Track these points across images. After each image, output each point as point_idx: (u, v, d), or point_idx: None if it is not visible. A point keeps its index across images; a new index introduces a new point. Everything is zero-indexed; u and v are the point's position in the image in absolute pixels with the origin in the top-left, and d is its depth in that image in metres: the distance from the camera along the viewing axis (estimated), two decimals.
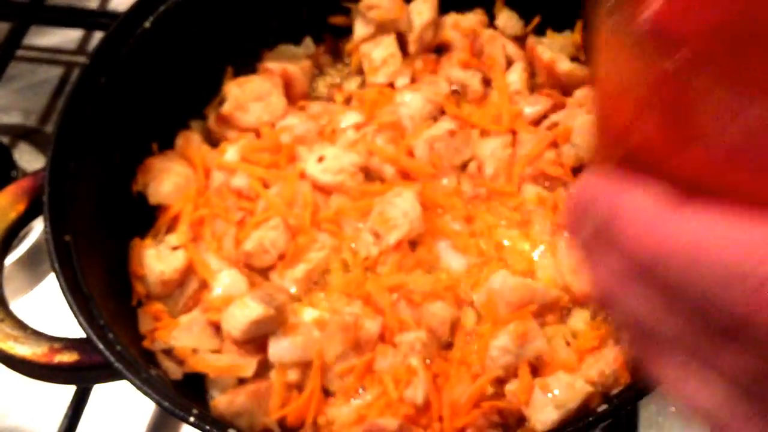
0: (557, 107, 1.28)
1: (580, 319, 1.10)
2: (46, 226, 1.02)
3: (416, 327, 1.08)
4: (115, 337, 0.96)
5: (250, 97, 1.28)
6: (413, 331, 1.08)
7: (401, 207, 1.14)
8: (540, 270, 1.14)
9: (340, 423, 1.05)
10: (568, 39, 1.34)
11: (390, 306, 1.10)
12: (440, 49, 1.38)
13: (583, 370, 1.03)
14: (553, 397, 0.99)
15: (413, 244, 1.17)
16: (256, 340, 1.10)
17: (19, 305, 1.34)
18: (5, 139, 1.53)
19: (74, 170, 1.08)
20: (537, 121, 1.28)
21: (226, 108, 1.28)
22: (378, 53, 1.34)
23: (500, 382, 1.05)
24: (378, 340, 1.09)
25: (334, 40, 1.42)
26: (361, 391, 1.08)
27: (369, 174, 1.25)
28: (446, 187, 1.22)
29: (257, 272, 1.18)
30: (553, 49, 1.31)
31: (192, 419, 0.90)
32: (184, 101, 1.31)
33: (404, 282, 1.12)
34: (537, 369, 1.06)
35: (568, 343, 1.08)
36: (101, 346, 0.94)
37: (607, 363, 1.03)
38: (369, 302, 1.12)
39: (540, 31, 1.37)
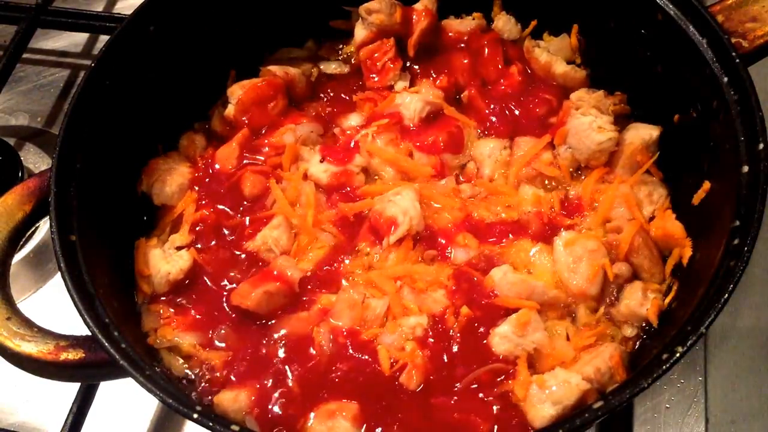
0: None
1: (578, 316, 1.12)
2: (52, 226, 1.03)
3: (419, 312, 1.11)
4: (120, 335, 0.98)
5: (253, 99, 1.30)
6: (415, 316, 1.11)
7: (401, 205, 1.16)
8: (538, 268, 1.15)
9: None
10: (565, 42, 1.35)
11: (395, 292, 1.13)
12: (440, 51, 1.40)
13: (580, 367, 1.04)
14: (550, 394, 1.01)
15: (415, 240, 1.18)
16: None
17: (25, 304, 1.37)
18: (12, 141, 1.54)
19: (80, 171, 1.10)
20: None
21: (230, 110, 1.30)
22: (378, 56, 1.35)
23: (497, 375, 1.06)
24: (384, 319, 1.12)
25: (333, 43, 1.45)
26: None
27: (370, 174, 1.27)
28: (445, 186, 1.24)
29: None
30: (550, 52, 1.33)
31: (196, 416, 0.90)
32: (188, 103, 1.32)
33: (409, 271, 1.14)
34: (534, 364, 1.07)
35: (567, 338, 1.10)
36: (106, 344, 0.95)
37: (603, 360, 1.04)
38: (375, 286, 1.15)
39: (537, 35, 1.39)
